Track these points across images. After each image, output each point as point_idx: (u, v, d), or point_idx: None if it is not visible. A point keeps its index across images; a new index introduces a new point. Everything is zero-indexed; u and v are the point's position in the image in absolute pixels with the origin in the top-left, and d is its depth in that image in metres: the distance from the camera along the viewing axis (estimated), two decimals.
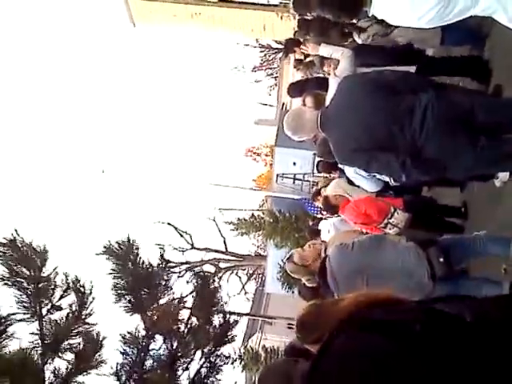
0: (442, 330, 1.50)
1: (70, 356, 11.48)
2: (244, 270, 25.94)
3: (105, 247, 13.74)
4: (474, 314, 1.58)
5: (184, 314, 13.77)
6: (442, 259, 3.50)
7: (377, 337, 1.52)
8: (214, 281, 16.17)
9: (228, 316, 14.10)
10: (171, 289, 14.24)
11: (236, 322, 14.23)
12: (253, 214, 23.72)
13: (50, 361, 11.09)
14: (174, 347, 12.72)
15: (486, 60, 5.30)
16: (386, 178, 3.78)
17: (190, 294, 14.79)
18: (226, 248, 24.77)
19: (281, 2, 15.98)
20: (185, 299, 14.54)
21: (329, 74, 5.66)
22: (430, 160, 3.07)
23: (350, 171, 4.30)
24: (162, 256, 16.33)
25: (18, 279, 11.50)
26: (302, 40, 6.05)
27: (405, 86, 3.25)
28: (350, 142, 3.33)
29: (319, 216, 10.07)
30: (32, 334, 11.18)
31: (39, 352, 11.01)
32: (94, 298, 12.09)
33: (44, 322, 11.30)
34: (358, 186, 5.12)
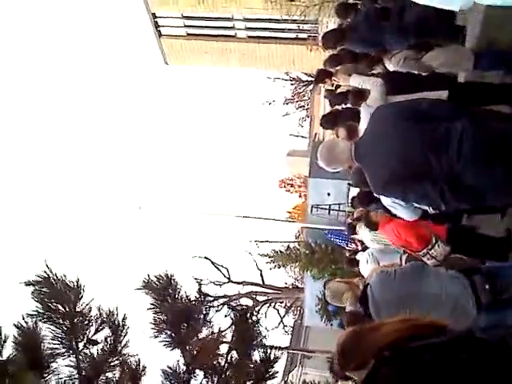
0: (487, 359, 1.47)
1: None
2: (282, 302, 25.68)
3: (144, 282, 13.91)
4: None
5: (224, 348, 13.71)
6: (487, 287, 3.42)
7: (422, 367, 1.49)
8: (253, 314, 16.05)
9: (269, 351, 13.92)
10: (210, 323, 14.22)
11: (277, 358, 14.03)
12: (288, 246, 23.61)
13: None
14: (215, 382, 12.64)
15: None
16: (425, 207, 3.73)
17: (229, 328, 14.73)
18: (263, 281, 24.63)
19: (309, 36, 16.20)
20: (224, 333, 14.49)
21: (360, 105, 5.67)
22: (468, 188, 3.02)
23: (386, 201, 4.26)
24: (200, 290, 16.33)
25: (53, 315, 11.67)
26: (333, 71, 6.09)
27: (439, 113, 3.22)
28: (386, 173, 3.30)
29: (349, 247, 10.00)
30: (68, 365, 11.32)
31: None
32: (127, 331, 12.18)
33: (81, 357, 11.42)
34: (395, 215, 5.07)
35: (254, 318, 15.78)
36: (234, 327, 14.47)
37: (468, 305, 3.46)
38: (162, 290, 13.66)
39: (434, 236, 5.19)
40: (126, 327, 12.14)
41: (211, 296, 18.56)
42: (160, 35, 18.15)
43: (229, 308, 17.26)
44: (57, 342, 11.43)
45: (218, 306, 18.69)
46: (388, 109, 3.75)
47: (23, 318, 11.36)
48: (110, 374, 11.66)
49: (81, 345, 11.59)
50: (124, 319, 12.16)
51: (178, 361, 12.66)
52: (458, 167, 2.98)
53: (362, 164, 3.52)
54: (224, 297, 21.40)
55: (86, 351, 11.63)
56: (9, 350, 10.94)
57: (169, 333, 12.92)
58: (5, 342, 10.99)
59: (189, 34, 18.17)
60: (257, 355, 13.63)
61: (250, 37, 17.57)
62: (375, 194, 3.90)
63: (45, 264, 11.92)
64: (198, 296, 15.79)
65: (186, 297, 14.45)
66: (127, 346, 12.01)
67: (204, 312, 14.77)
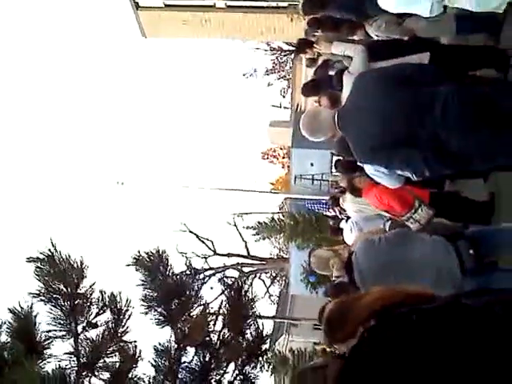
0: (472, 325, 1.48)
1: (105, 375, 11.22)
2: (267, 273, 25.90)
3: (134, 258, 13.50)
4: (505, 307, 1.55)
5: (216, 324, 13.53)
6: (471, 251, 3.45)
7: (409, 330, 1.50)
8: (247, 292, 15.76)
9: (261, 329, 13.77)
10: (201, 298, 13.93)
11: (268, 336, 13.91)
12: (273, 217, 23.69)
13: (86, 380, 10.88)
14: (207, 359, 12.44)
15: (503, 48, 5.21)
16: (408, 174, 3.72)
17: (220, 304, 14.53)
18: (248, 252, 24.77)
19: (290, 4, 15.94)
20: (214, 308, 14.27)
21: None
22: (453, 153, 3.00)
23: (369, 168, 4.25)
24: (190, 265, 16.09)
25: (55, 296, 11.08)
26: (314, 40, 6.01)
27: (422, 78, 3.18)
28: (369, 140, 3.26)
29: (329, 214, 10.08)
30: (67, 353, 10.95)
31: (75, 370, 10.81)
32: (130, 316, 11.72)
33: (80, 340, 11.08)
34: (378, 183, 5.08)
35: (249, 295, 15.51)
36: (227, 304, 14.17)
37: (453, 270, 3.48)
38: (153, 266, 13.29)
39: (417, 200, 5.18)
40: (128, 312, 11.68)
41: (200, 270, 18.45)
42: (138, 7, 17.74)
43: (221, 284, 17.18)
44: (56, 324, 11.06)
45: (204, 278, 18.74)
46: (370, 75, 3.69)
47: (19, 303, 10.95)
48: (109, 360, 11.32)
49: (80, 328, 11.09)
50: (127, 303, 11.60)
51: (170, 338, 12.43)
52: (442, 132, 2.95)
53: (344, 132, 3.48)
54: (210, 269, 21.49)
55: (86, 334, 11.30)
56: (4, 336, 10.70)
57: (159, 310, 12.61)
58: (0, 327, 10.72)
59: (166, 5, 17.79)
60: (249, 332, 13.47)
61: (229, 6, 17.25)
62: (358, 163, 3.88)
63: (50, 242, 11.38)
64: (188, 271, 15.52)
65: (178, 273, 14.12)
66: (128, 332, 11.62)
67: (195, 288, 14.46)
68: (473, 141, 2.92)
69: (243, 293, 15.03)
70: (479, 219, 5.74)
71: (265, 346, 13.66)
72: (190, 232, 23.72)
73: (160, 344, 12.35)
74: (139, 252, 13.63)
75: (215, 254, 23.76)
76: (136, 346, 11.61)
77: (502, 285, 3.37)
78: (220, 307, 14.17)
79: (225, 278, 18.76)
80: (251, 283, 22.78)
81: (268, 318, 20.25)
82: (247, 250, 24.68)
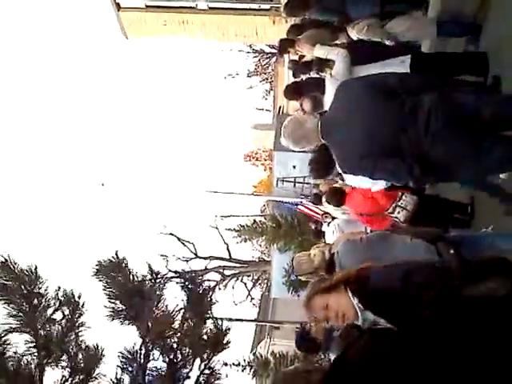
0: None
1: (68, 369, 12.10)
2: (249, 276, 25.85)
3: (96, 267, 14.33)
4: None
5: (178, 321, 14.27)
6: (452, 251, 3.46)
7: (386, 348, 1.51)
8: (202, 285, 16.95)
9: (220, 322, 14.47)
10: (162, 296, 14.66)
11: (228, 328, 14.58)
12: (255, 220, 23.68)
13: (46, 368, 11.75)
14: (172, 358, 13.13)
15: (483, 52, 5.25)
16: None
17: (182, 301, 15.47)
18: (230, 255, 24.71)
19: (272, 7, 15.96)
20: (178, 306, 15.07)
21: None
22: (436, 162, 3.00)
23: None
24: (150, 268, 16.61)
25: (11, 296, 12.16)
26: (295, 40, 5.98)
27: (405, 87, 3.18)
28: (354, 150, 3.25)
29: (304, 209, 10.23)
30: (27, 342, 11.87)
31: (35, 361, 11.70)
32: (86, 309, 12.75)
33: (38, 333, 11.92)
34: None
35: (204, 288, 16.71)
36: (186, 300, 15.16)
37: None
38: (113, 271, 14.27)
39: (400, 191, 5.20)
40: (84, 306, 12.79)
41: (160, 273, 18.54)
42: (119, 8, 17.61)
43: (179, 283, 17.50)
44: (15, 320, 11.98)
45: (163, 281, 18.65)
46: (353, 85, 3.65)
47: None
48: (67, 350, 12.16)
49: (39, 324, 12.08)
50: (79, 297, 12.77)
51: (135, 343, 13.07)
52: (425, 141, 2.96)
53: (328, 141, 3.44)
54: (191, 272, 21.39)
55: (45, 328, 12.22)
56: None
57: (122, 308, 13.43)
58: None
59: (148, 6, 17.68)
60: (209, 327, 14.20)
61: (211, 8, 17.20)
62: (342, 173, 3.86)
63: (4, 247, 12.86)
64: (149, 274, 16.07)
65: (139, 276, 14.93)
66: (84, 324, 12.65)
67: (156, 287, 15.44)
68: (455, 152, 2.94)
69: (200, 287, 15.96)
70: (460, 222, 5.79)
71: (226, 340, 14.36)
72: (171, 234, 23.62)
73: (126, 349, 13.21)
74: (99, 261, 14.48)
75: (196, 256, 23.69)
76: (98, 346, 12.48)
77: None
78: (185, 306, 14.99)
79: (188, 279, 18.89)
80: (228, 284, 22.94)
81: (250, 321, 20.24)
82: (229, 252, 24.62)
